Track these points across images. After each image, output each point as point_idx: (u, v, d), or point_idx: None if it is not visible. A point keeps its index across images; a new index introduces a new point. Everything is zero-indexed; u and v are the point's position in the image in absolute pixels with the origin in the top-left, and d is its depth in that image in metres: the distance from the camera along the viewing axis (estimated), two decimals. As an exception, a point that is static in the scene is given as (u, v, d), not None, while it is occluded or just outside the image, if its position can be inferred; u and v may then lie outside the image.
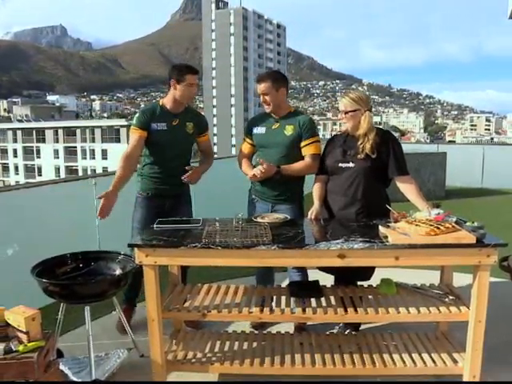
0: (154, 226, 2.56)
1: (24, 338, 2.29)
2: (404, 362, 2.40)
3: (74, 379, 2.55)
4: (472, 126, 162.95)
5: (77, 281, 2.58)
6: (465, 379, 2.33)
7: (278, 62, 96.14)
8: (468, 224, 2.31)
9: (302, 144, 2.97)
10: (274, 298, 2.54)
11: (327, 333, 2.80)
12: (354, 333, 2.87)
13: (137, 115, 3.06)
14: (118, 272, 2.67)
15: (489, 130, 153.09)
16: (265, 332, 2.92)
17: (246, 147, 3.18)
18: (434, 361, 2.41)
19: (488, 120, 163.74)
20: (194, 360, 2.48)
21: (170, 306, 2.45)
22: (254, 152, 3.18)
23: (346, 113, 2.76)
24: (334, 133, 3.55)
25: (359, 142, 2.74)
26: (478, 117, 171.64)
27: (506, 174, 9.77)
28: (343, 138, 2.87)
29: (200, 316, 2.39)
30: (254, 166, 3.02)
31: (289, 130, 2.97)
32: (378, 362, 2.39)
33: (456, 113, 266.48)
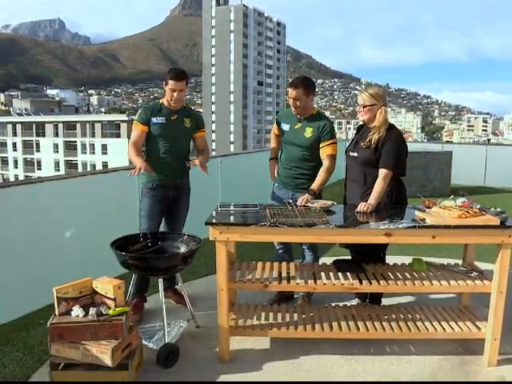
0: (218, 208, 2.95)
1: (111, 303, 2.68)
2: (435, 328, 2.82)
3: (146, 343, 2.94)
4: (469, 126, 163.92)
5: (152, 255, 2.96)
6: (487, 342, 2.74)
7: (278, 59, 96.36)
8: (492, 210, 2.72)
9: (321, 145, 3.35)
10: (323, 273, 2.93)
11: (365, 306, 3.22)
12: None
13: (139, 111, 3.39)
14: (183, 250, 3.06)
15: (486, 131, 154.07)
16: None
17: (275, 131, 3.66)
18: (460, 327, 2.82)
19: (485, 121, 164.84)
20: (254, 326, 2.87)
21: (235, 278, 2.84)
22: (280, 135, 3.57)
23: (364, 106, 3.11)
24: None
25: (370, 133, 3.09)
26: (476, 118, 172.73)
27: (507, 174, 10.18)
28: (363, 130, 3.25)
29: (262, 286, 2.79)
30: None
31: (308, 133, 3.35)
32: (413, 328, 2.80)
33: (453, 113, 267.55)
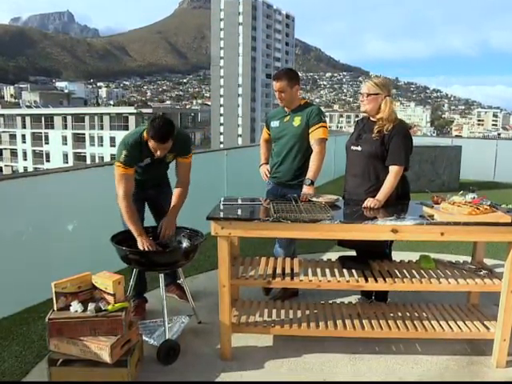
0: (221, 203, 2.88)
1: (111, 299, 2.63)
2: (442, 327, 2.74)
3: (146, 339, 2.89)
4: (479, 121, 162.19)
5: (154, 250, 2.90)
6: (496, 343, 2.66)
7: (286, 52, 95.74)
8: (503, 206, 2.63)
9: (310, 130, 3.24)
10: (328, 269, 2.86)
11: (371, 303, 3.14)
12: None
13: (124, 153, 2.87)
14: (185, 245, 3.00)
15: (496, 125, 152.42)
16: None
17: (264, 135, 3.65)
18: (468, 327, 2.74)
19: (495, 115, 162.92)
20: (256, 323, 2.81)
21: (237, 274, 2.78)
22: (270, 139, 3.57)
23: (368, 95, 2.97)
24: (340, 124, 3.83)
25: (376, 126, 2.95)
26: (486, 112, 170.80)
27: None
28: (364, 122, 3.13)
29: (265, 283, 2.72)
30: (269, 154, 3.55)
31: (297, 121, 3.29)
32: (419, 328, 2.73)
33: (463, 107, 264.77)
